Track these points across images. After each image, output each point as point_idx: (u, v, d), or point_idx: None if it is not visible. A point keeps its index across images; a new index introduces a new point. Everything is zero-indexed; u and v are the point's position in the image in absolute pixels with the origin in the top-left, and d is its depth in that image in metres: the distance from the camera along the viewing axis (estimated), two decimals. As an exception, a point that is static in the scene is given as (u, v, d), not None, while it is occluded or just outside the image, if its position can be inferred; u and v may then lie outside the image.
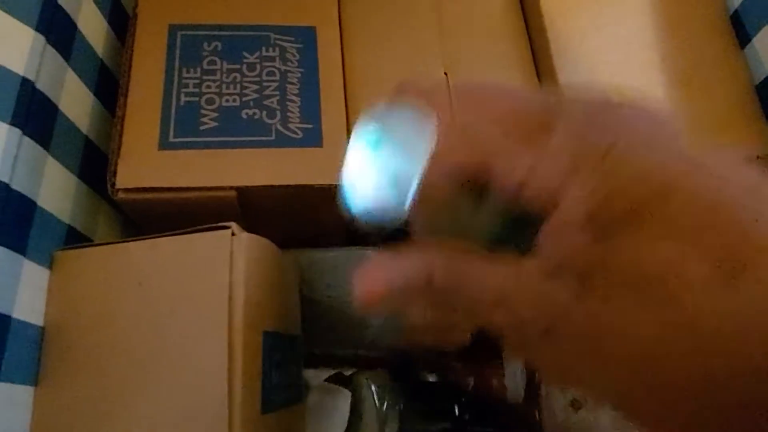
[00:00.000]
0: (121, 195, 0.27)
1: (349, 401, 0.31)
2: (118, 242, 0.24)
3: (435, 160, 0.15)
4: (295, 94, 0.30)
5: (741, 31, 0.34)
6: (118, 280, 0.24)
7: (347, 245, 0.34)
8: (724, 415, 0.12)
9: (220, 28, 0.32)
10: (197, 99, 0.29)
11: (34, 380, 0.23)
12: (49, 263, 0.24)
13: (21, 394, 0.22)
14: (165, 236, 0.24)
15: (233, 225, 0.23)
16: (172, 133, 0.28)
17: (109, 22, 0.32)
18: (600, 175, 0.13)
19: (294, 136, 0.29)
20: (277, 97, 0.30)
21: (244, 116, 0.29)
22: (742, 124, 0.32)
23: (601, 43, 0.33)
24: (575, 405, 0.32)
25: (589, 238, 0.13)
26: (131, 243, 0.24)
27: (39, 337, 0.23)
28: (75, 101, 0.27)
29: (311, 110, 0.30)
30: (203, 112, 0.29)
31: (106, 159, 0.28)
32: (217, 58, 0.31)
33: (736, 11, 0.34)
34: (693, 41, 0.34)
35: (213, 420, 0.21)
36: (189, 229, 0.24)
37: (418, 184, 0.15)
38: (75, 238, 0.27)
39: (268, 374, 0.23)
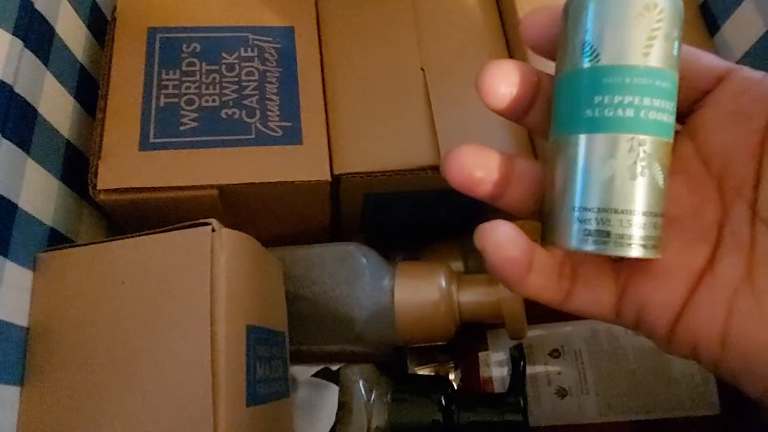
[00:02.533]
0: (102, 196, 0.27)
1: (337, 396, 0.32)
2: (101, 242, 0.25)
3: None
4: (274, 93, 0.31)
5: (710, 19, 0.34)
6: (102, 279, 0.24)
7: (332, 241, 0.34)
8: None
9: (199, 30, 0.32)
10: (177, 100, 0.30)
11: (19, 380, 0.23)
12: (32, 264, 0.25)
13: (7, 394, 0.22)
14: (147, 235, 0.24)
15: (213, 221, 0.24)
16: (152, 133, 0.29)
17: (88, 26, 0.32)
18: None
19: (274, 134, 0.30)
20: (257, 97, 0.31)
21: (224, 116, 0.30)
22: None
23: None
24: (561, 393, 0.32)
25: None
26: (113, 242, 0.24)
27: (24, 337, 0.23)
28: (54, 105, 0.28)
29: (290, 109, 0.31)
30: (183, 112, 0.29)
31: (88, 161, 0.28)
32: (196, 60, 0.31)
33: (705, 1, 0.35)
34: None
35: (197, 413, 0.21)
36: (170, 227, 0.24)
37: None
38: (58, 240, 0.27)
39: (252, 367, 0.23)
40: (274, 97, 0.31)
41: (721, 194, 0.19)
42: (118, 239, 0.24)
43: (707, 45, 0.34)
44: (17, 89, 0.24)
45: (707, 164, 0.19)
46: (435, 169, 0.31)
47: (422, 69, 0.33)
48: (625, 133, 0.17)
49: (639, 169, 0.17)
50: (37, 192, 0.26)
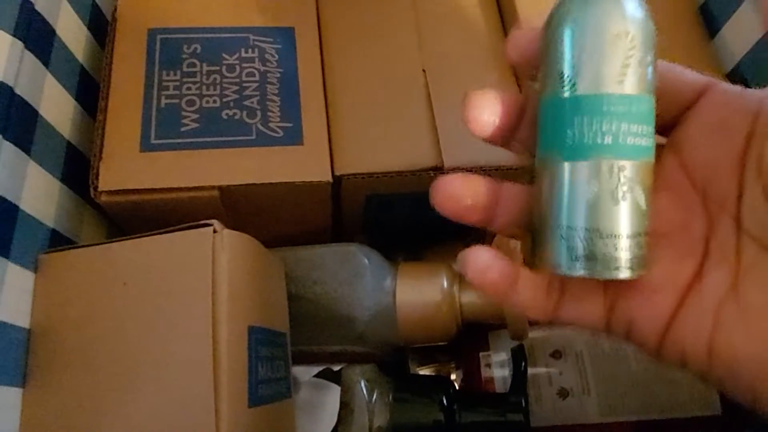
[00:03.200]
0: (103, 197, 0.27)
1: (339, 396, 0.32)
2: (102, 243, 0.25)
3: None
4: (274, 94, 0.31)
5: (710, 21, 0.34)
6: (103, 280, 0.24)
7: (333, 242, 0.34)
8: None
9: (199, 30, 0.32)
10: (178, 101, 0.30)
11: (21, 382, 0.23)
12: (34, 266, 0.25)
13: (9, 396, 0.22)
14: (148, 236, 0.24)
15: (215, 222, 0.24)
16: (153, 134, 0.29)
17: (89, 27, 0.32)
18: None
19: (275, 134, 0.30)
20: (257, 97, 0.30)
21: (225, 117, 0.30)
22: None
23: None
24: (562, 393, 0.32)
25: None
26: (115, 243, 0.24)
27: (25, 338, 0.23)
28: (55, 106, 0.28)
29: (291, 109, 0.31)
30: (184, 113, 0.29)
31: (89, 163, 0.28)
32: (196, 61, 0.31)
33: (705, 2, 0.35)
34: (663, 33, 0.34)
35: (200, 413, 0.21)
36: (171, 228, 0.24)
37: None
38: (59, 242, 0.27)
39: (254, 368, 0.23)
40: (274, 98, 0.31)
41: (707, 207, 0.19)
42: (120, 240, 0.24)
43: (707, 46, 0.34)
44: (18, 90, 0.24)
45: (691, 178, 0.19)
46: (436, 170, 0.31)
47: (423, 70, 0.33)
48: (605, 159, 0.17)
49: (621, 194, 0.17)
50: (39, 193, 0.26)
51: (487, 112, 0.19)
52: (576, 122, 0.18)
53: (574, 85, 0.18)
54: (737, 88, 0.18)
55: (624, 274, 0.17)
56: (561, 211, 0.18)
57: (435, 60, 0.33)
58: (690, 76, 0.19)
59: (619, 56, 0.17)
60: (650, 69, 0.18)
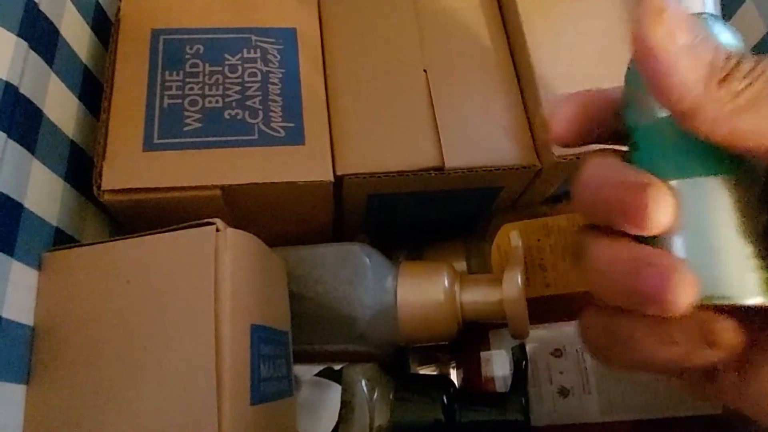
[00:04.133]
0: (107, 196, 0.28)
1: (340, 395, 0.32)
2: (106, 241, 0.25)
3: None
4: (276, 94, 0.31)
5: (711, 21, 0.34)
6: (107, 278, 0.24)
7: (335, 241, 0.34)
8: None
9: (202, 31, 0.32)
10: (180, 101, 0.30)
11: (25, 379, 0.23)
12: (38, 264, 0.25)
13: (12, 393, 0.22)
14: (151, 234, 0.24)
15: (218, 221, 0.24)
16: (156, 134, 0.29)
17: (92, 28, 0.32)
18: None
19: (277, 134, 0.30)
20: (259, 98, 0.31)
21: (227, 116, 0.30)
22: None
23: (577, 37, 0.33)
24: (563, 392, 0.32)
25: None
26: (118, 242, 0.25)
27: (29, 336, 0.24)
28: (59, 105, 0.28)
29: (293, 109, 0.31)
30: (186, 113, 0.30)
31: (92, 162, 0.29)
32: (199, 61, 0.31)
33: (705, 2, 0.35)
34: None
35: (202, 411, 0.21)
36: (174, 227, 0.24)
37: None
38: (63, 240, 0.27)
39: (256, 367, 0.24)
40: (276, 98, 0.31)
41: None
42: (123, 239, 0.25)
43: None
44: (22, 90, 0.25)
45: None
46: (438, 170, 0.31)
47: (425, 70, 0.33)
48: None
49: None
50: (43, 192, 0.26)
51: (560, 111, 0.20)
52: None
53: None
54: None
55: None
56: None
57: (436, 60, 0.34)
58: None
59: None
60: None
